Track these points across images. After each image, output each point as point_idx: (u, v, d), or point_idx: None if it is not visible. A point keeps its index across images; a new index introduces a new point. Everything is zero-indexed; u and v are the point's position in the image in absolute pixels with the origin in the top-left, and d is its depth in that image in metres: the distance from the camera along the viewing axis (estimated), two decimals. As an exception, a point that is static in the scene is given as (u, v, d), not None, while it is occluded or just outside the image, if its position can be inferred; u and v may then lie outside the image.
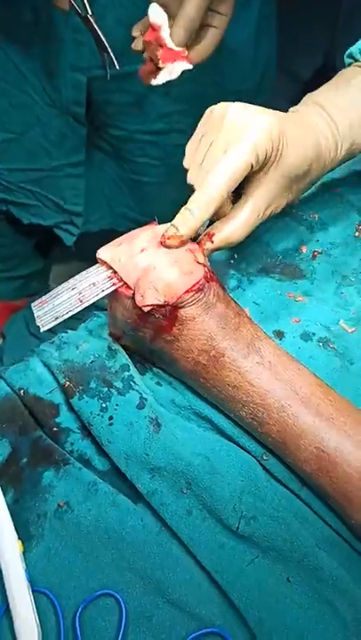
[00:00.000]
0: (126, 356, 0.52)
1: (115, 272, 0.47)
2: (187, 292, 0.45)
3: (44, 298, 0.47)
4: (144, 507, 0.48)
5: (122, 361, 0.52)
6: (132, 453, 0.47)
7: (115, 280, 0.47)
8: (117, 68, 0.64)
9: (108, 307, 0.51)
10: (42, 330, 0.45)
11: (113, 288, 0.46)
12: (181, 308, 0.45)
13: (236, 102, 0.48)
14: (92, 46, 0.65)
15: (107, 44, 0.63)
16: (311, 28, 1.20)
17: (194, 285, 0.45)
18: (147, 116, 0.89)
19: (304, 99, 0.54)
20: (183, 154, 0.51)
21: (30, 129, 0.91)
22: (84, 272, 0.48)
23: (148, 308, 0.45)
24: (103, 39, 0.62)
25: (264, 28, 0.89)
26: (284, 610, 0.43)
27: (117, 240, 0.48)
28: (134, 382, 0.51)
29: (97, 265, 0.48)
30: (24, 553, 0.45)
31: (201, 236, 0.48)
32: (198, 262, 0.46)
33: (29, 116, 0.90)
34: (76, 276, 0.47)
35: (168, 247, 0.46)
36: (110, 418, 0.49)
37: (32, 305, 0.46)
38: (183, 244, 0.46)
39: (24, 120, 0.90)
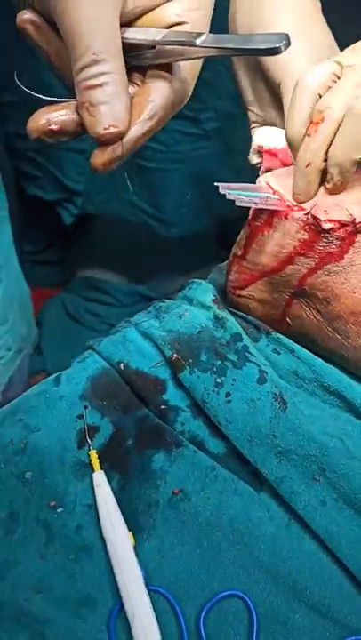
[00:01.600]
0: (237, 324, 0.46)
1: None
2: None
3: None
4: (269, 495, 0.42)
5: (232, 330, 0.46)
6: (256, 434, 0.41)
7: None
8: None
9: (239, 249, 0.46)
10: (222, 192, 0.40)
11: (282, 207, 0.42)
12: (360, 233, 0.40)
13: None
14: None
15: None
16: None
17: None
18: None
19: None
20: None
21: (32, 99, 0.87)
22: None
23: (330, 225, 0.40)
24: None
25: None
26: None
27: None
28: (250, 353, 0.44)
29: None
30: (134, 547, 0.40)
31: None
32: None
33: (35, 80, 0.85)
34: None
35: None
36: (228, 394, 0.43)
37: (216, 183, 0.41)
38: None
39: (30, 85, 0.85)
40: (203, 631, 0.38)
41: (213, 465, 0.42)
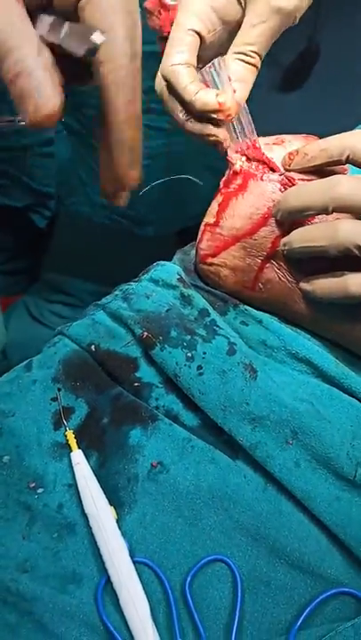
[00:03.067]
0: (203, 300, 0.47)
1: None
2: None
3: None
4: (244, 462, 0.43)
5: (199, 306, 0.47)
6: (229, 404, 0.42)
7: None
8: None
9: (211, 217, 0.48)
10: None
11: None
12: None
13: None
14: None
15: None
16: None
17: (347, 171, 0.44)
18: None
19: None
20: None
21: None
22: None
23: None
24: None
25: None
26: None
27: None
28: (218, 327, 0.46)
29: None
30: (117, 521, 0.40)
31: None
32: None
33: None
34: None
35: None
36: (199, 367, 0.44)
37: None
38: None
39: None
40: (189, 596, 0.39)
41: (189, 436, 0.43)
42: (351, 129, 0.68)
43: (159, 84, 0.47)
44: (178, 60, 0.44)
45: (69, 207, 0.98)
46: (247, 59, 0.45)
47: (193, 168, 0.89)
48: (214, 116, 0.44)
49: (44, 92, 0.33)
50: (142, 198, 0.47)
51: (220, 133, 0.46)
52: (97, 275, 1.11)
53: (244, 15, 0.45)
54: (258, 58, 0.45)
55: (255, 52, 0.45)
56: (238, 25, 0.46)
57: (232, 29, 0.46)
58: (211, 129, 0.46)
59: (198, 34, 0.45)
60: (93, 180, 0.93)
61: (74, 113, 0.87)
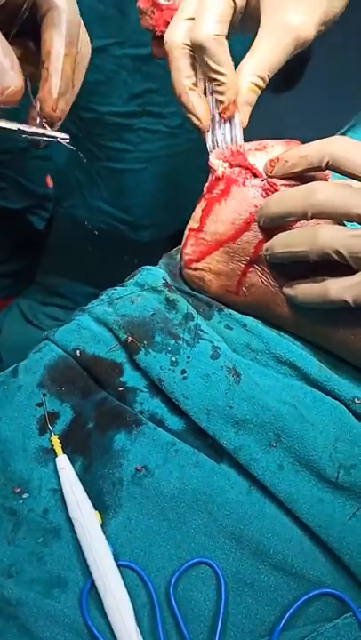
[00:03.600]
0: (188, 305, 0.48)
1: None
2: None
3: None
4: (228, 465, 0.43)
5: (184, 310, 0.47)
6: (213, 407, 0.43)
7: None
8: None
9: (195, 223, 0.49)
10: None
11: None
12: None
13: None
14: None
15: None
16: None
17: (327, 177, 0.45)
18: (118, 97, 0.84)
19: None
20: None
21: None
22: None
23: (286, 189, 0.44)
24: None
25: None
26: None
27: None
28: (202, 331, 0.46)
29: None
30: (102, 525, 0.41)
31: None
32: None
33: None
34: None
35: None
36: (183, 371, 0.44)
37: None
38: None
39: None
40: (173, 599, 0.39)
41: (174, 440, 0.43)
42: (342, 127, 0.68)
43: (175, 40, 0.47)
44: (216, 29, 0.44)
45: (66, 210, 0.98)
46: (259, 83, 0.47)
47: (189, 171, 0.90)
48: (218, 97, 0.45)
49: (7, 75, 0.37)
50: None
51: (204, 120, 0.47)
52: (92, 278, 1.11)
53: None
54: (267, 80, 0.47)
55: (267, 77, 0.46)
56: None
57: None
58: (204, 110, 0.47)
59: (234, 1, 0.46)
60: (91, 183, 0.93)
61: (70, 116, 0.87)
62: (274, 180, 0.44)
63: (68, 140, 0.43)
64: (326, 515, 0.41)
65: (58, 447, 0.42)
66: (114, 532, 0.41)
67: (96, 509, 0.41)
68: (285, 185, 0.44)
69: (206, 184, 0.48)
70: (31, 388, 0.45)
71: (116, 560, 0.39)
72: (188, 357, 0.45)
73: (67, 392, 0.45)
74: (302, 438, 0.42)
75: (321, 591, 0.39)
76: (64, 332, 0.47)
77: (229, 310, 0.48)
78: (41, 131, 0.41)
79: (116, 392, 0.45)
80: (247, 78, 0.46)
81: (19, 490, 0.41)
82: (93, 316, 0.48)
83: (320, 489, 0.42)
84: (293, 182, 0.44)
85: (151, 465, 0.42)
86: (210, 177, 0.48)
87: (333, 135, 0.43)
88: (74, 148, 0.43)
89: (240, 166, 0.46)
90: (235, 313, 0.48)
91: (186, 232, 0.49)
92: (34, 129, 0.41)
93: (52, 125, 0.42)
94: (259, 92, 0.47)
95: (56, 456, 0.42)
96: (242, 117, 0.47)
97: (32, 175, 0.92)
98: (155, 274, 0.51)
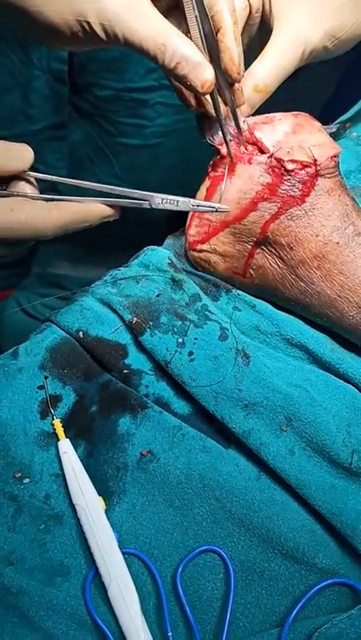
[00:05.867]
0: (195, 285, 0.46)
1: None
2: (334, 156, 0.42)
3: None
4: (236, 450, 0.42)
5: (191, 291, 0.46)
6: (221, 390, 0.41)
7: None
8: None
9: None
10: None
11: None
12: (321, 176, 0.41)
13: None
14: None
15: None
16: None
17: (337, 153, 0.42)
18: (134, 73, 0.82)
19: None
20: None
21: (7, 93, 0.84)
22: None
23: (293, 166, 0.41)
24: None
25: None
26: None
27: None
28: (210, 312, 0.44)
29: None
30: (105, 512, 0.39)
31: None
32: None
33: (7, 78, 0.82)
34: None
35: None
36: (190, 353, 0.42)
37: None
38: None
39: (1, 83, 0.83)
40: (180, 588, 0.37)
41: (180, 424, 0.41)
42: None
43: None
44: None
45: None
46: (263, 88, 0.46)
47: (205, 145, 0.89)
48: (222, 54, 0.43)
49: (205, 70, 0.39)
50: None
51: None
52: (91, 265, 1.09)
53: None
54: (271, 88, 0.46)
55: (272, 84, 0.46)
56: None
57: None
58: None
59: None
60: (104, 162, 0.92)
61: (84, 94, 0.85)
62: (281, 155, 0.42)
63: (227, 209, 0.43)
64: (339, 501, 0.39)
65: (60, 431, 0.41)
66: (118, 518, 0.39)
67: (100, 494, 0.39)
68: (293, 160, 0.42)
69: (210, 162, 0.47)
70: (32, 370, 0.43)
71: (120, 547, 0.38)
72: (196, 339, 0.43)
73: (69, 374, 0.43)
74: (314, 422, 0.40)
75: (334, 580, 0.38)
76: (66, 314, 0.46)
77: (238, 291, 0.46)
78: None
79: (120, 374, 0.43)
80: (252, 82, 0.45)
81: (19, 475, 0.40)
82: (96, 296, 0.46)
83: (333, 475, 0.40)
84: (299, 160, 0.42)
85: (157, 450, 0.41)
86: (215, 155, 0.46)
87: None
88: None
89: (246, 142, 0.44)
90: (243, 294, 0.46)
91: (190, 213, 0.47)
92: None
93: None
94: (263, 95, 0.46)
95: (58, 440, 0.41)
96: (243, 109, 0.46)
97: (46, 157, 0.90)
98: (160, 254, 0.49)
